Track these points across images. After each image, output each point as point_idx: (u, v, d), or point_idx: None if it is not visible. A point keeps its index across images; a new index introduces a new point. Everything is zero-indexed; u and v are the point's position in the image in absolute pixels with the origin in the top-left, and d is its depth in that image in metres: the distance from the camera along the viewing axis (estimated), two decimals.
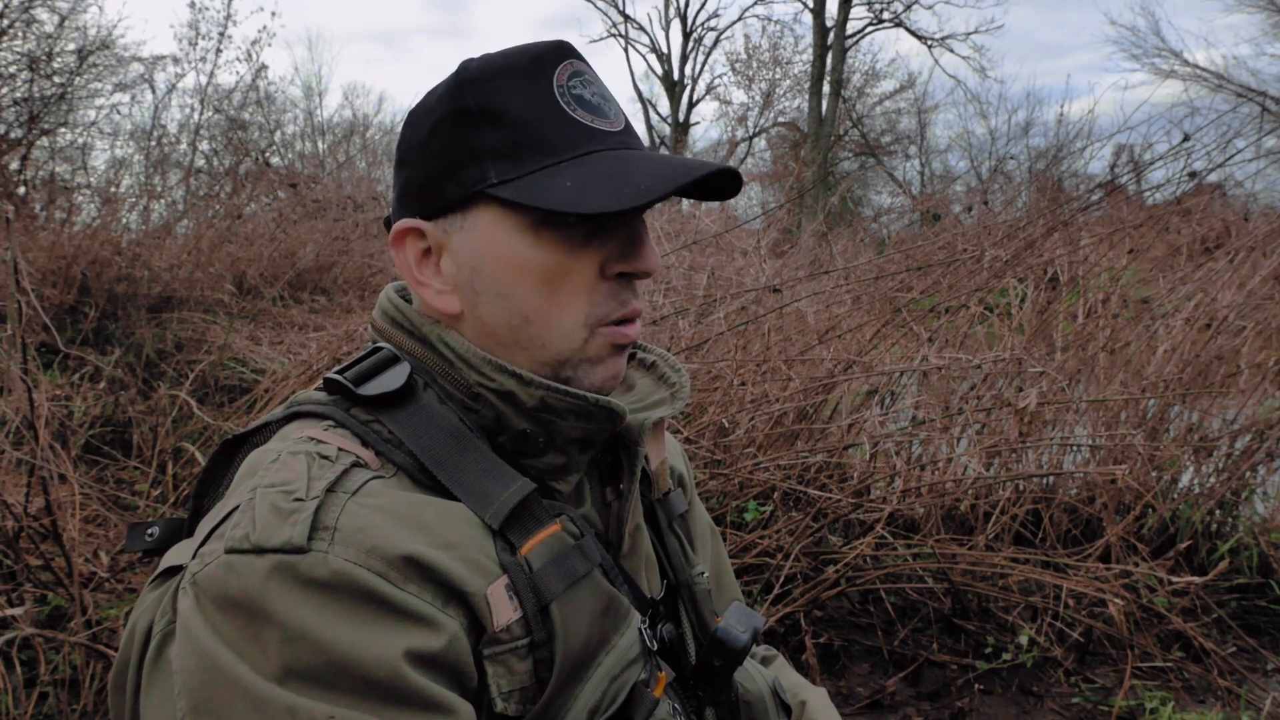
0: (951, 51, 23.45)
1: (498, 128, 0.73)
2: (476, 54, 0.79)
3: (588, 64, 0.77)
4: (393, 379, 0.74)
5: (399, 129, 0.82)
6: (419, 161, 0.76)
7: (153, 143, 9.02)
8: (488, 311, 0.75)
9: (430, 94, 0.77)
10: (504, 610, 0.65)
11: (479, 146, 0.73)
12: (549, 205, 0.71)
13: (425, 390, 0.75)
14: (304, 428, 0.72)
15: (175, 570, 0.66)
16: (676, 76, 26.36)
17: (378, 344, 0.79)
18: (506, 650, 0.65)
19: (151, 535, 0.78)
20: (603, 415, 0.75)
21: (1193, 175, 3.79)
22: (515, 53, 0.76)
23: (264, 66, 10.34)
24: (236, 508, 0.64)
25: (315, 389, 0.77)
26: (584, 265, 0.75)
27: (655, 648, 0.77)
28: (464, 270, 0.75)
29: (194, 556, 0.64)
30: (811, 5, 23.24)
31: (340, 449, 0.69)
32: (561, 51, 0.76)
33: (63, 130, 10.44)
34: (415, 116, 0.77)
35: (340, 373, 0.75)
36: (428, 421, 0.72)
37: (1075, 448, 3.21)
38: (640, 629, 0.75)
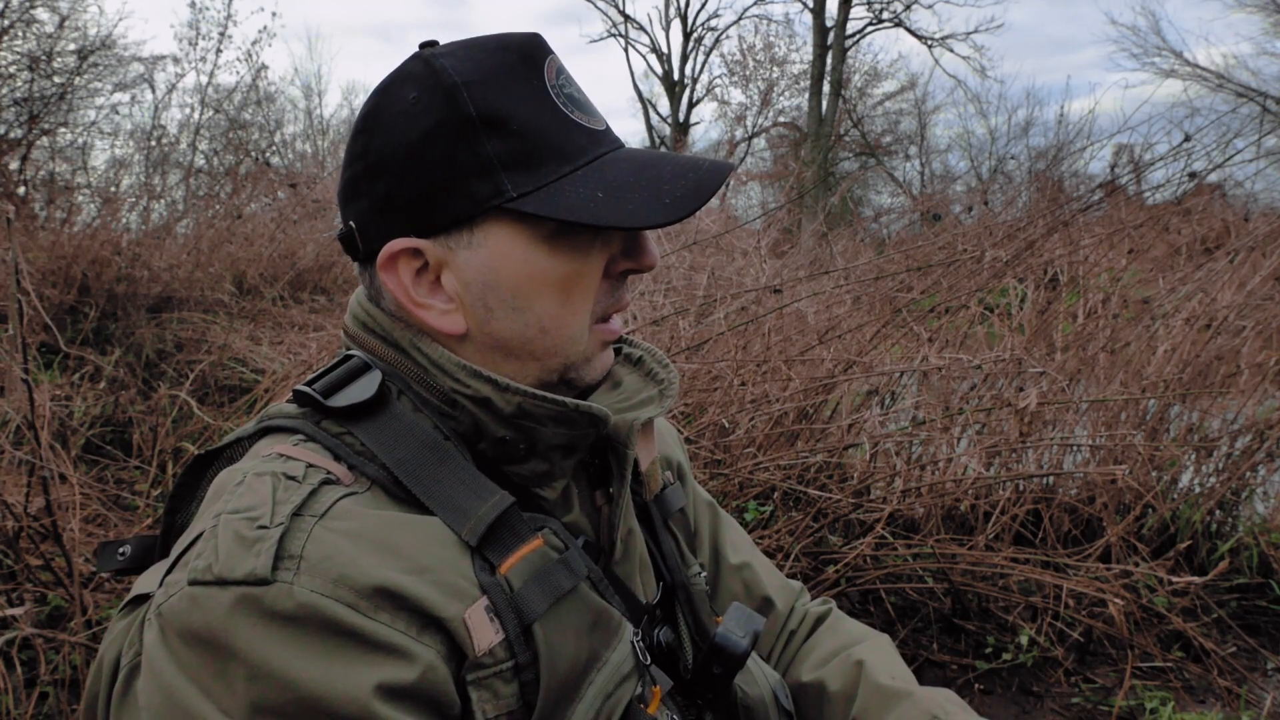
0: (951, 51, 23.50)
1: (505, 136, 0.69)
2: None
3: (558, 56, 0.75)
4: (363, 388, 0.71)
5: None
6: (406, 173, 0.70)
7: (153, 143, 9.00)
8: (502, 327, 0.72)
9: (398, 94, 0.71)
10: (485, 633, 0.63)
11: (488, 157, 0.69)
12: (592, 220, 0.68)
13: (399, 399, 0.72)
14: (274, 443, 0.70)
15: (144, 598, 0.64)
16: (676, 76, 26.36)
17: (349, 351, 0.76)
18: (491, 674, 0.63)
19: (123, 554, 0.76)
20: (584, 420, 0.73)
21: (1193, 175, 3.79)
22: (497, 47, 0.72)
23: (264, 66, 10.33)
24: (201, 534, 0.62)
25: (287, 401, 0.74)
26: (592, 267, 0.73)
27: (649, 661, 0.74)
28: (473, 287, 0.71)
29: (160, 585, 0.62)
30: (811, 5, 23.25)
31: (310, 465, 0.66)
32: (542, 46, 0.73)
33: (63, 130, 10.42)
34: (387, 120, 0.71)
35: (310, 384, 0.72)
36: (401, 432, 0.69)
37: (1075, 448, 3.20)
38: (633, 642, 0.72)
